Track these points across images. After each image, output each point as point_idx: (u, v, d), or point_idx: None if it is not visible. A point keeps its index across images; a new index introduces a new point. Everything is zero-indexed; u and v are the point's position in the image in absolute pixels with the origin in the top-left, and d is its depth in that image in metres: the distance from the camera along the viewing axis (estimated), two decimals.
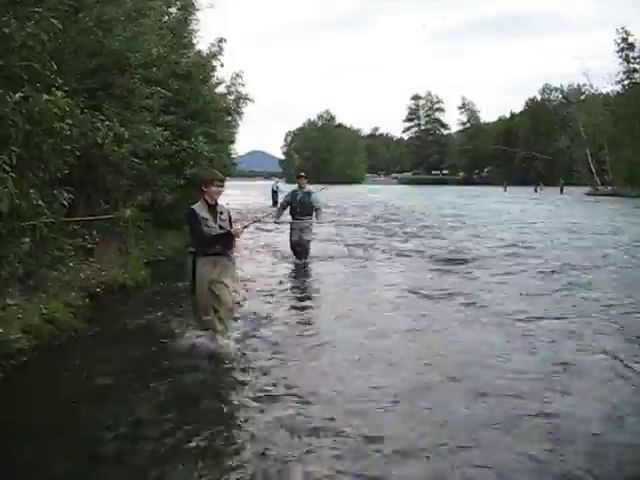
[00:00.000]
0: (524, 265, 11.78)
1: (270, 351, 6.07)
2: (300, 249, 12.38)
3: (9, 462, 3.88)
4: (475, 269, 11.35)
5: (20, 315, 6.51)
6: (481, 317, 7.56)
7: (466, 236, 17.26)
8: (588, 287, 9.52)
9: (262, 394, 4.93)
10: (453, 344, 6.39)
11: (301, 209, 12.15)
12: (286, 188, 40.44)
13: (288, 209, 12.38)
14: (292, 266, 12.09)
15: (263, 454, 3.88)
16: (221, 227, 6.04)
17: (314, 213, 12.18)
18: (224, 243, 6.00)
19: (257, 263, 12.55)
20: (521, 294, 9.01)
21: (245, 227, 6.54)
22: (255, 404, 4.72)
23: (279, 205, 13.05)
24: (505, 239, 16.38)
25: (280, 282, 10.20)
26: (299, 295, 9.30)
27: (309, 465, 3.74)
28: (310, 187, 12.50)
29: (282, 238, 14.52)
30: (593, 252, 13.80)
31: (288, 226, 12.67)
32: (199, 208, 5.96)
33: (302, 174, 12.75)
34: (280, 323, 7.27)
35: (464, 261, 12.44)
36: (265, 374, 5.40)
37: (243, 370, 5.57)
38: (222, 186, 6.14)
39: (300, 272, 11.55)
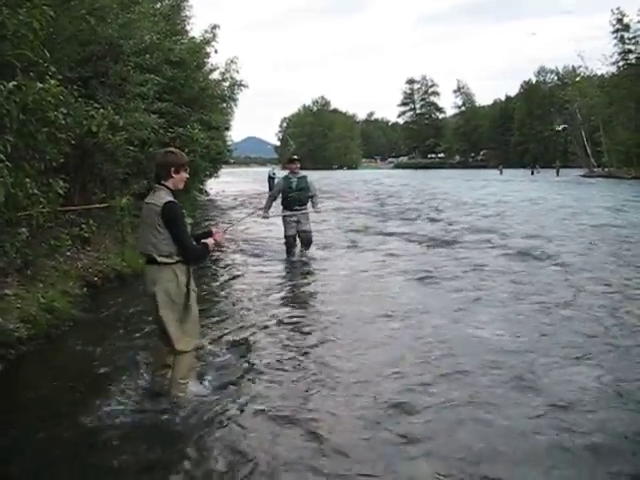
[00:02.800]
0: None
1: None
2: (301, 240, 11.07)
3: (9, 448, 3.91)
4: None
5: (19, 305, 6.52)
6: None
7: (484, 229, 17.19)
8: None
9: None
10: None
11: (298, 198, 10.80)
12: (282, 174, 40.49)
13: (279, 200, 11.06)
14: (284, 264, 10.70)
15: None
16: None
17: (309, 202, 11.02)
18: (207, 252, 4.73)
19: (242, 262, 11.01)
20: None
21: (228, 229, 6.04)
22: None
23: (268, 195, 11.57)
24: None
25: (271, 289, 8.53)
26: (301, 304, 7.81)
27: None
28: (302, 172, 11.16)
29: (273, 229, 13.99)
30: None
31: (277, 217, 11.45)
32: (175, 200, 4.47)
33: (294, 157, 11.17)
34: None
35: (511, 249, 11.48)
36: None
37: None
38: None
39: (297, 269, 10.19)
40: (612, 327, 6.31)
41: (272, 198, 11.16)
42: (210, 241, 4.66)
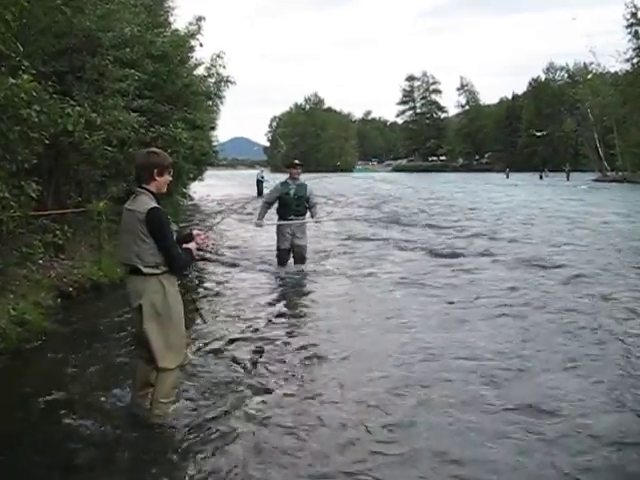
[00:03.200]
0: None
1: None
2: (294, 255, 10.75)
3: None
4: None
5: None
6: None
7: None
8: None
9: None
10: None
11: (296, 207, 10.52)
12: (271, 178, 40.42)
13: (274, 208, 10.88)
14: (274, 278, 10.45)
15: None
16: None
17: (308, 212, 10.70)
18: (192, 258, 4.72)
19: (228, 274, 10.94)
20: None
21: (209, 229, 6.07)
22: None
23: (263, 202, 11.14)
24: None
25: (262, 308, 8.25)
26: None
27: None
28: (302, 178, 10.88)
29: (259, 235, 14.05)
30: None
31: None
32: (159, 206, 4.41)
33: (296, 162, 10.91)
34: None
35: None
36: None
37: None
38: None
39: (288, 285, 9.88)
40: (613, 337, 6.52)
41: (267, 205, 10.87)
42: (192, 245, 4.64)
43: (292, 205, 10.50)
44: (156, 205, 4.33)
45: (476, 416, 4.59)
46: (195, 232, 4.83)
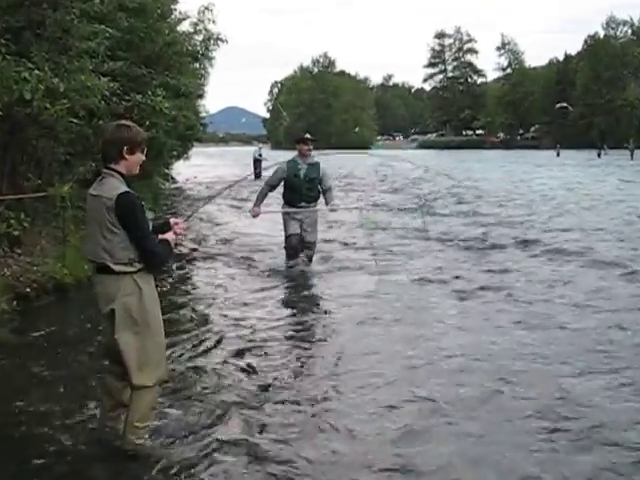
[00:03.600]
0: None
1: None
2: (301, 254, 10.48)
3: None
4: None
5: None
6: None
7: None
8: None
9: None
10: None
11: (307, 191, 10.28)
12: (271, 156, 40.33)
13: (277, 191, 10.80)
14: (282, 277, 10.23)
15: None
16: None
17: (321, 197, 10.54)
18: (171, 251, 4.71)
19: (224, 274, 10.75)
20: None
21: (189, 217, 5.99)
22: None
23: (264, 184, 10.88)
24: None
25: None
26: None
27: None
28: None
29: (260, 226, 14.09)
30: None
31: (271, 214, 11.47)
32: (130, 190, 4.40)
33: (307, 136, 10.71)
34: None
35: None
36: None
37: None
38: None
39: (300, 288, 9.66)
40: None
41: (268, 188, 10.65)
42: (170, 236, 4.63)
43: (302, 189, 10.24)
44: (127, 189, 4.29)
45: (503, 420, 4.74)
46: (172, 220, 4.85)
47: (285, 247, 10.64)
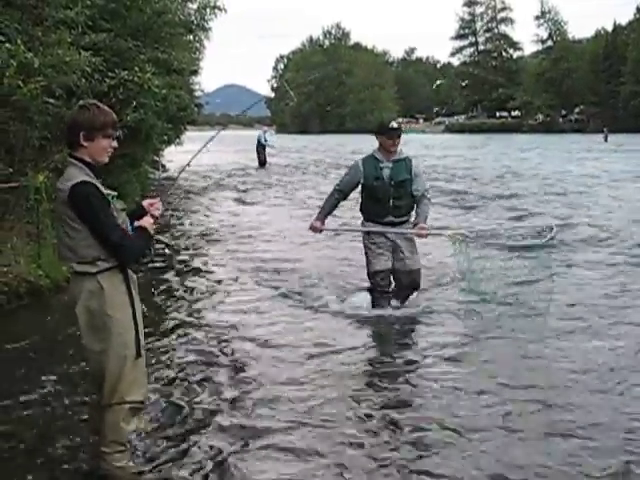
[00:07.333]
0: None
1: None
2: (398, 282, 8.75)
3: None
4: None
5: None
6: None
7: None
8: None
9: None
10: None
11: (394, 200, 8.46)
12: (275, 141, 40.06)
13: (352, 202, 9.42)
14: (368, 328, 7.97)
15: None
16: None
17: (415, 209, 8.63)
18: (149, 239, 4.66)
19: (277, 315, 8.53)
20: None
21: (168, 191, 5.78)
22: None
23: (332, 190, 9.03)
24: None
25: None
26: None
27: None
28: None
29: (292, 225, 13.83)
30: None
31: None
32: (91, 179, 4.33)
33: (394, 125, 8.62)
34: None
35: None
36: None
37: None
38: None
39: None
40: None
41: (339, 196, 8.90)
42: (147, 221, 4.55)
43: (387, 198, 8.49)
44: (84, 179, 4.25)
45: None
46: (146, 202, 4.77)
47: (369, 287, 8.92)
